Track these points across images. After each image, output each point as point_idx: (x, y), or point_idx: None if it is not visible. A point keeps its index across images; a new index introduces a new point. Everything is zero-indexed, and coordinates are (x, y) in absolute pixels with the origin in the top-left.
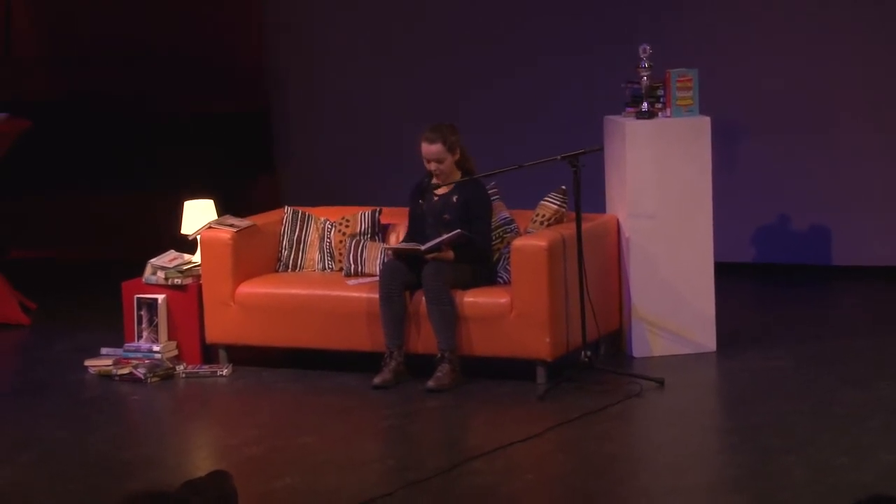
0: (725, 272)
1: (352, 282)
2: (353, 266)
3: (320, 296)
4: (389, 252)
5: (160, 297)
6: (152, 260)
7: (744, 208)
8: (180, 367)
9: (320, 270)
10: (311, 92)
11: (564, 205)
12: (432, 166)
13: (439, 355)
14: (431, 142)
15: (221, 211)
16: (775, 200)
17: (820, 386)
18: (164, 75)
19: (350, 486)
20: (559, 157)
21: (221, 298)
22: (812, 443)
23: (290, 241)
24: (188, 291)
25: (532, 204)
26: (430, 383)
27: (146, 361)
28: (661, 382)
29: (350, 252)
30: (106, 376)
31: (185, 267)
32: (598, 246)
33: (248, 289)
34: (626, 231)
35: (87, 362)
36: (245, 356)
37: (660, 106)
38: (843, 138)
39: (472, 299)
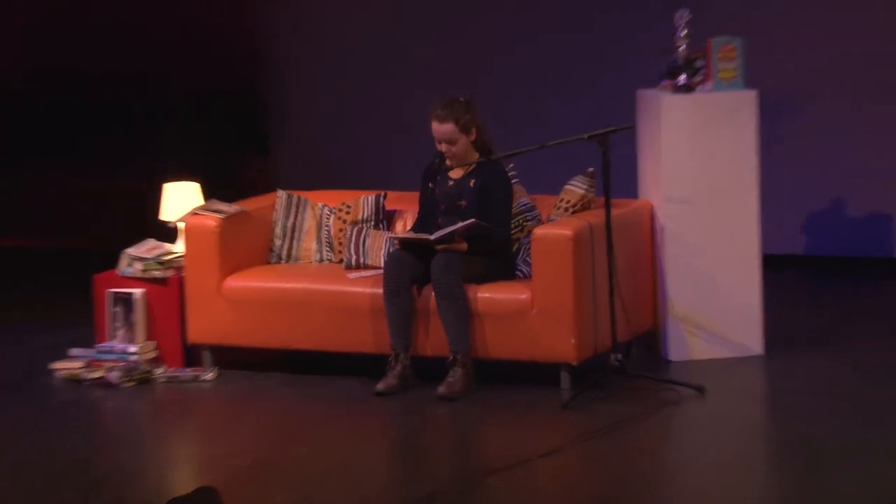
0: (773, 265)
1: (353, 275)
2: (354, 257)
3: (317, 290)
4: (395, 242)
5: (137, 292)
6: (129, 249)
7: (794, 193)
8: (159, 371)
9: (317, 262)
10: (308, 63)
11: (592, 189)
12: (443, 147)
13: (451, 358)
14: (442, 121)
15: (207, 195)
16: (830, 184)
17: (879, 393)
18: (145, 48)
19: (349, 503)
20: (586, 136)
21: (206, 293)
22: (869, 457)
23: (284, 228)
24: (169, 285)
25: (556, 188)
26: (441, 389)
27: (121, 364)
28: (700, 390)
29: (351, 242)
30: (75, 381)
31: (166, 258)
32: (629, 235)
33: (236, 282)
34: (661, 218)
35: (54, 365)
36: (233, 358)
37: (699, 79)
38: None
39: (488, 295)
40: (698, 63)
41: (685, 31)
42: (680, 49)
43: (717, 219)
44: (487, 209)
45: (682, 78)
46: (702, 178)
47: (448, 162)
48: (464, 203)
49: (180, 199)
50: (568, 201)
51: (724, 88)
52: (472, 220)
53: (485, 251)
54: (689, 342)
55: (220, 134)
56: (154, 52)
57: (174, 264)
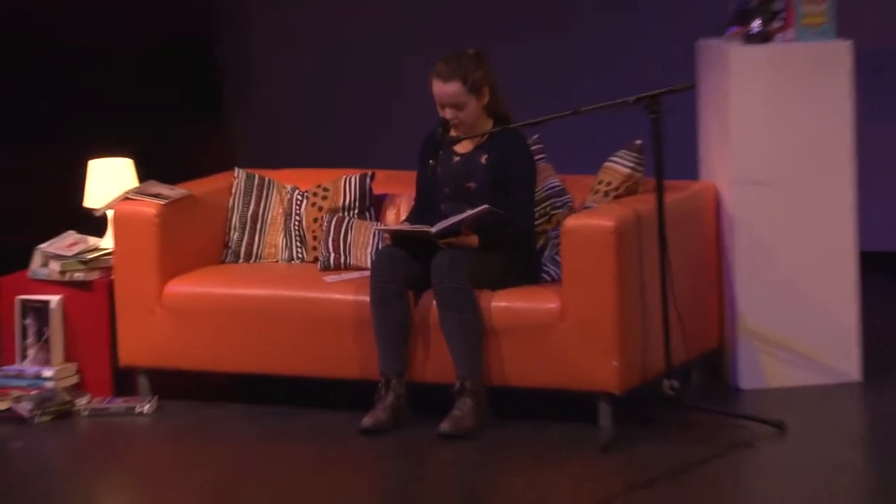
0: (874, 267)
1: (331, 278)
2: (332, 256)
3: (285, 298)
4: (386, 235)
5: (53, 300)
6: (42, 245)
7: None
8: (82, 401)
9: (286, 261)
10: (275, 6)
11: (640, 168)
12: (448, 114)
13: (457, 385)
14: (446, 79)
15: (143, 175)
16: None
17: None
18: None
19: None
20: (632, 99)
21: (143, 301)
22: None
23: (243, 218)
24: (95, 291)
25: (593, 167)
26: (445, 426)
27: (33, 392)
28: (780, 426)
29: (329, 235)
30: None
31: (91, 255)
32: (688, 227)
33: (180, 287)
34: (730, 206)
35: None
36: (176, 385)
37: (778, 25)
38: None
39: (506, 304)
40: (776, 5)
41: None
42: None
43: (801, 206)
44: (503, 192)
45: (756, 24)
46: (782, 153)
47: (454, 132)
48: (473, 184)
49: (109, 180)
50: (609, 183)
51: (809, 38)
52: (485, 206)
53: (501, 246)
54: (764, 366)
55: (161, 96)
56: None
57: (101, 264)
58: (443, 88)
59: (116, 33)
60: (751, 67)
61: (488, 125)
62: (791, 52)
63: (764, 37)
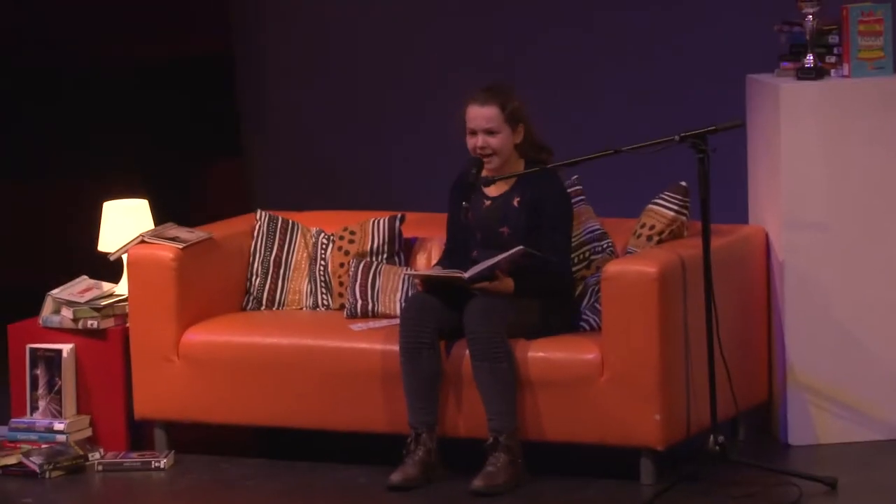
0: None
1: (358, 326)
2: (359, 303)
3: (310, 348)
4: (417, 281)
5: (65, 349)
6: (54, 291)
7: None
8: (95, 456)
9: (310, 308)
10: (298, 36)
11: (685, 211)
12: (479, 141)
13: (491, 440)
14: (483, 103)
15: (160, 217)
16: None
17: None
18: (70, 9)
19: None
20: (677, 138)
21: (159, 351)
22: None
23: (265, 263)
24: (109, 339)
25: (635, 210)
26: (478, 482)
27: (44, 446)
28: (832, 485)
29: (356, 281)
30: None
31: (105, 302)
32: (736, 273)
33: (199, 336)
34: (780, 251)
35: None
36: (195, 439)
37: (833, 60)
38: None
39: (543, 354)
40: (831, 38)
41: None
42: (806, 19)
43: (857, 252)
44: (539, 235)
45: (809, 59)
46: (835, 195)
47: (486, 167)
48: (506, 230)
49: (125, 223)
50: (652, 227)
51: (865, 73)
52: (520, 248)
53: (538, 292)
54: (816, 420)
55: (178, 134)
56: (85, 12)
57: (116, 311)
58: (479, 111)
59: (132, 72)
60: (803, 104)
61: (519, 166)
62: (846, 88)
63: (818, 72)
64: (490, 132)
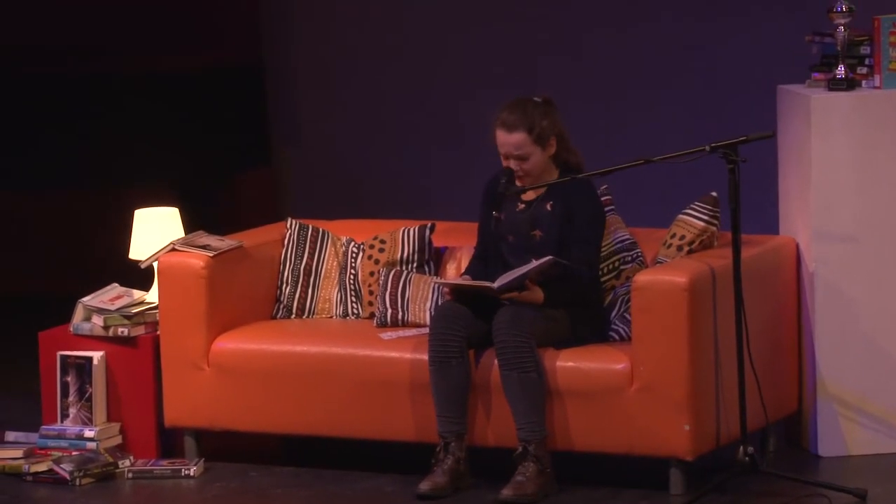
0: None
1: (388, 335)
2: (389, 311)
3: (339, 356)
4: (446, 290)
5: (96, 356)
6: (85, 299)
7: None
8: (125, 463)
9: (340, 317)
10: (328, 47)
11: (716, 221)
12: (512, 165)
13: (520, 449)
14: (510, 129)
15: (191, 225)
16: None
17: None
18: (105, 15)
19: None
20: (708, 148)
21: (189, 358)
22: None
23: (296, 271)
24: (139, 347)
25: (665, 220)
26: (507, 492)
27: (74, 454)
28: (862, 496)
29: (386, 290)
30: (13, 474)
31: (135, 310)
32: (766, 284)
33: (229, 344)
34: (811, 262)
35: None
36: (224, 447)
37: (864, 70)
38: None
39: (573, 364)
40: (863, 49)
41: (845, 6)
42: (838, 30)
43: (887, 263)
44: (570, 245)
45: (841, 69)
46: (867, 207)
47: (518, 183)
48: (539, 233)
49: (155, 231)
50: (682, 237)
51: None
52: (549, 257)
53: (568, 301)
54: (846, 432)
55: (209, 142)
56: (117, 22)
57: (146, 319)
58: (507, 139)
59: (163, 83)
60: (834, 115)
61: (554, 175)
62: (878, 99)
63: (849, 83)
64: (521, 158)
